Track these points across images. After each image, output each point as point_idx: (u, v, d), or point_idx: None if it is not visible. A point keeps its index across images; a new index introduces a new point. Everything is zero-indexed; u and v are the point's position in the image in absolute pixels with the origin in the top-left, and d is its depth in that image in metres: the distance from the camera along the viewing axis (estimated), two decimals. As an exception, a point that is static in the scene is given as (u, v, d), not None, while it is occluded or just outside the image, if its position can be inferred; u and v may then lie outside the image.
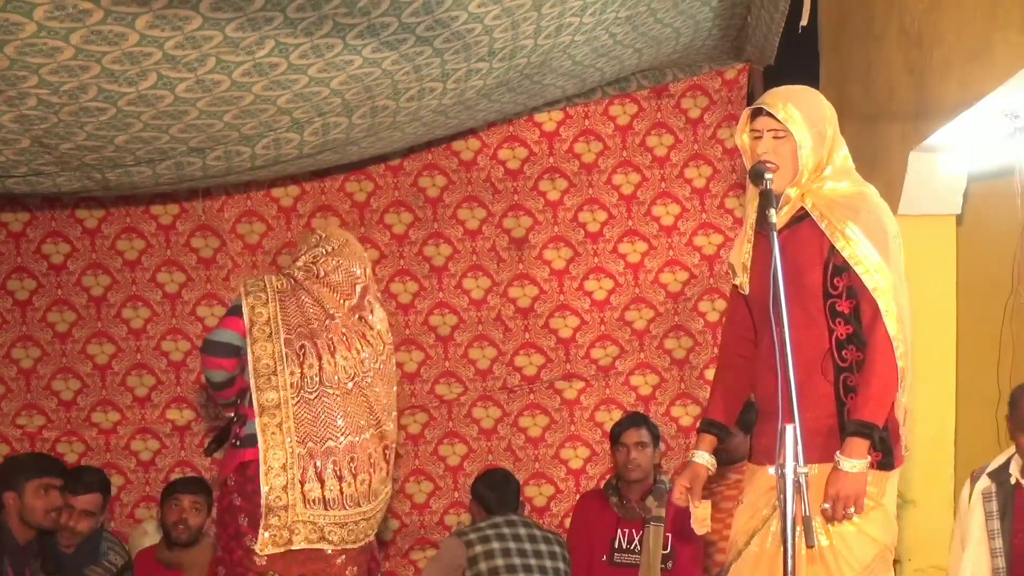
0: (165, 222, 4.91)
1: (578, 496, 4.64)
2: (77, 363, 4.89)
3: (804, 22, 3.93)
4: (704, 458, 2.77)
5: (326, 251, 3.28)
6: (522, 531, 4.12)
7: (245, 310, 3.15)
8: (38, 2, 2.56)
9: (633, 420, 4.23)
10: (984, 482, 3.21)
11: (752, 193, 2.72)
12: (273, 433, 3.06)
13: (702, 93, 4.84)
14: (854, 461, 2.49)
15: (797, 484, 2.30)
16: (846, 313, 2.59)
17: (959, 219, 4.32)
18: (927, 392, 4.25)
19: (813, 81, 5.28)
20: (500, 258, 4.88)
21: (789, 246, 2.55)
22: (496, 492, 4.17)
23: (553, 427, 4.86)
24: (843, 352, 2.60)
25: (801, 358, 2.48)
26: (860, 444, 2.50)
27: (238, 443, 3.16)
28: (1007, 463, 3.34)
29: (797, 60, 4.67)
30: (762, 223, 2.58)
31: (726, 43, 4.52)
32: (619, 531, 4.12)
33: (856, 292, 2.58)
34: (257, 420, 3.08)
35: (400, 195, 4.91)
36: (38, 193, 4.03)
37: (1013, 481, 3.22)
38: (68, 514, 3.81)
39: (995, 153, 4.02)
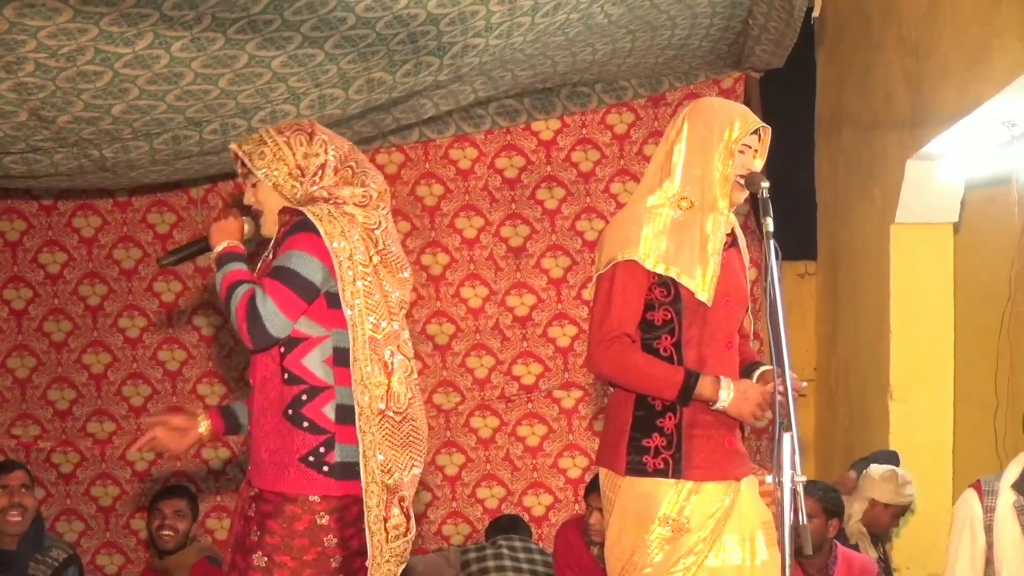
0: (162, 231, 4.90)
1: (565, 517, 4.51)
2: (73, 373, 4.87)
3: (816, 13, 3.94)
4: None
5: None
6: (519, 544, 4.11)
7: None
8: None
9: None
10: (1010, 495, 3.07)
11: (716, 210, 2.49)
12: None
13: (699, 102, 4.84)
14: None
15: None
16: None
17: (956, 227, 4.32)
18: (925, 400, 4.26)
19: (810, 89, 5.31)
20: (498, 267, 4.87)
21: (736, 261, 2.56)
22: (502, 532, 4.22)
23: (551, 436, 4.84)
24: None
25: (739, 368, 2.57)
26: None
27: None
28: None
29: (794, 68, 4.68)
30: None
31: (723, 47, 4.47)
32: None
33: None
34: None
35: (398, 204, 4.88)
36: (36, 175, 3.95)
37: None
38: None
39: (992, 161, 4.03)
